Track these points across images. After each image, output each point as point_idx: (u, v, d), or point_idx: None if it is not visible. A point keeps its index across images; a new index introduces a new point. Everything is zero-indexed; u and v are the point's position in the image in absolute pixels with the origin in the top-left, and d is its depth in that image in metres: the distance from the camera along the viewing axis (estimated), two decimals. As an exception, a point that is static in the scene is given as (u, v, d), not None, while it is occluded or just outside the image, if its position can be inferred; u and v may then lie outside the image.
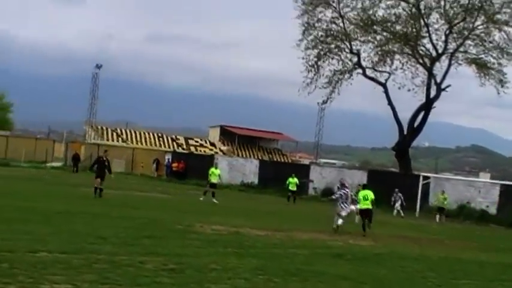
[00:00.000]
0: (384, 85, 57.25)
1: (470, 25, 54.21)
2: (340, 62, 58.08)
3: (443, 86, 55.82)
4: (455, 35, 55.25)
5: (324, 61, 57.98)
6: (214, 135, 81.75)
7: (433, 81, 55.69)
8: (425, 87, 55.95)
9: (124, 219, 20.02)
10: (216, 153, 71.08)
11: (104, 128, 77.32)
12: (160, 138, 77.94)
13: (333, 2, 56.79)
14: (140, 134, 78.39)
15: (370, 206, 24.32)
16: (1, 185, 31.73)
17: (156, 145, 75.11)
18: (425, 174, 50.60)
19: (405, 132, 56.76)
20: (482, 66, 55.22)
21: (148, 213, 23.23)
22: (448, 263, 17.89)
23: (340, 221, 23.47)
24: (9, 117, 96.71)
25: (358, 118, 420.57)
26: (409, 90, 56.21)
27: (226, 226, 20.87)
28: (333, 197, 25.22)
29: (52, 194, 29.07)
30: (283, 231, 21.45)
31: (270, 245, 17.62)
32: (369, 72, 58.05)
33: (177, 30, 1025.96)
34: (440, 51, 55.52)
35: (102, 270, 11.12)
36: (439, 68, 56.08)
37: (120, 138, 74.73)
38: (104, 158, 30.46)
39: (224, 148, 76.99)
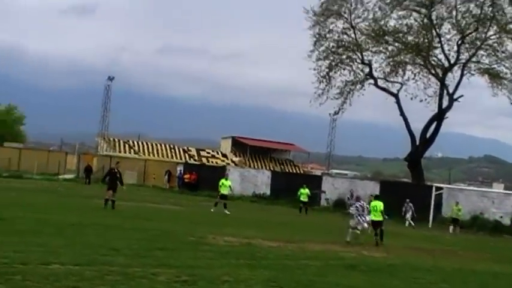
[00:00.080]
0: (395, 96, 57.13)
1: (483, 35, 54.06)
2: (352, 73, 58.14)
3: (455, 96, 55.75)
4: (467, 45, 55.15)
5: (335, 72, 58.02)
6: (226, 146, 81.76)
7: (445, 91, 55.53)
8: (437, 98, 55.84)
9: (136, 231, 20.01)
10: (228, 164, 71.07)
11: (116, 139, 77.55)
12: (172, 150, 78.01)
13: (345, 12, 56.88)
14: (152, 145, 78.51)
15: (380, 218, 24.54)
16: (14, 197, 31.82)
17: (168, 156, 75.15)
18: (438, 184, 50.49)
19: (417, 143, 56.56)
20: (494, 76, 55.05)
21: (161, 225, 23.21)
22: (461, 274, 17.78)
23: (350, 237, 23.74)
24: (21, 129, 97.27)
25: (370, 129, 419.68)
26: (421, 100, 56.13)
27: (239, 237, 20.83)
28: (351, 211, 25.24)
29: (65, 206, 29.06)
30: (295, 243, 21.40)
31: (282, 256, 17.55)
32: (380, 82, 58.07)
33: (188, 42, 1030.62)
34: (452, 61, 55.43)
35: (115, 282, 11.11)
36: (451, 78, 56.07)
37: (132, 150, 74.89)
38: (116, 170, 30.48)
39: (236, 159, 76.96)
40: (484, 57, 55.48)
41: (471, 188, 65.99)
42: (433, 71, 56.13)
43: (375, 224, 24.51)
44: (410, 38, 56.29)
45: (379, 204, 24.76)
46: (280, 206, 49.74)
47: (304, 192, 43.75)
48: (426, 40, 55.66)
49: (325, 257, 18.62)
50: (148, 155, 73.97)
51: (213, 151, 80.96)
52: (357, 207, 24.51)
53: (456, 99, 55.72)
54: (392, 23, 56.38)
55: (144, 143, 79.28)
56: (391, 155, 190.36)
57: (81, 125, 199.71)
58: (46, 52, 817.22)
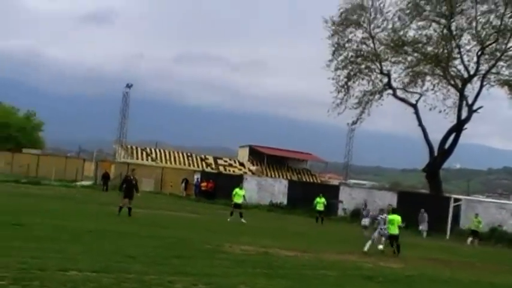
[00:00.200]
0: (414, 106, 56.87)
1: (503, 46, 53.69)
2: (371, 83, 58.07)
3: (474, 108, 55.34)
4: (487, 56, 54.79)
5: (354, 81, 57.98)
6: (243, 155, 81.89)
7: (464, 102, 55.22)
8: (456, 109, 55.51)
9: (153, 239, 20.03)
10: (245, 173, 71.10)
11: (134, 147, 77.90)
12: (190, 158, 78.26)
13: (364, 22, 56.82)
14: (169, 153, 78.82)
15: (397, 232, 24.59)
16: (32, 203, 32.02)
17: (185, 164, 75.39)
18: (456, 196, 50.06)
19: (436, 154, 56.26)
20: (514, 88, 54.68)
21: (178, 233, 23.24)
22: (479, 286, 17.63)
23: (367, 247, 23.89)
24: (40, 136, 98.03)
25: (388, 139, 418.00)
26: (440, 111, 55.88)
27: (255, 246, 20.79)
28: (379, 226, 25.08)
29: (82, 213, 29.18)
30: (312, 252, 21.33)
31: (299, 265, 17.48)
32: (399, 93, 57.90)
33: (205, 50, 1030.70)
34: (472, 72, 55.07)
35: (132, 290, 11.11)
36: (470, 90, 55.67)
37: (149, 158, 75.18)
38: (131, 177, 30.52)
39: (253, 168, 77.01)
40: (503, 69, 55.17)
41: (489, 199, 65.38)
42: (452, 82, 55.87)
43: (391, 237, 24.59)
44: (429, 48, 56.06)
45: (397, 219, 24.75)
46: (297, 215, 49.65)
47: (320, 202, 43.62)
48: (445, 51, 55.36)
49: (343, 267, 18.53)
50: (166, 162, 74.22)
51: (230, 160, 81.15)
52: (379, 220, 24.65)
53: (475, 111, 55.38)
54: (411, 33, 56.31)
55: (162, 151, 79.61)
56: (409, 165, 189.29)
57: (99, 132, 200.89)
58: (65, 59, 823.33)
